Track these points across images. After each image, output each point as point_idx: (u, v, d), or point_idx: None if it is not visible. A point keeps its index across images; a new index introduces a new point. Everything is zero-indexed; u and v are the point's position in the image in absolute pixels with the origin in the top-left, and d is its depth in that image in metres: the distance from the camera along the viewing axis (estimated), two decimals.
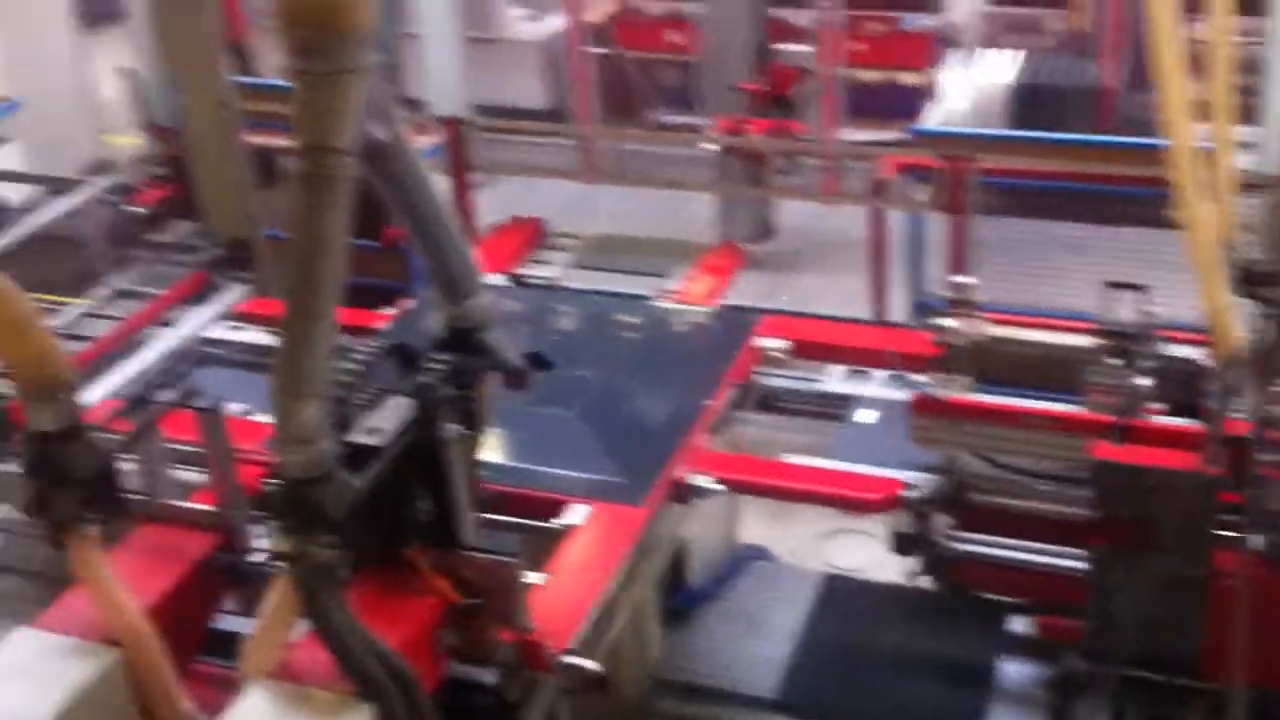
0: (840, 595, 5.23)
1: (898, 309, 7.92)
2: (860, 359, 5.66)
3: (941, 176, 7.43)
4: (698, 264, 6.49)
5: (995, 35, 11.42)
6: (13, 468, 3.77)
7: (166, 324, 6.94)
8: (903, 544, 4.91)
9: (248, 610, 3.91)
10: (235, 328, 6.66)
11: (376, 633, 3.44)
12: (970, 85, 10.16)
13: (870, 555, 6.12)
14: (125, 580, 3.66)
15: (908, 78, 11.52)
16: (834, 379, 5.76)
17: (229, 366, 6.43)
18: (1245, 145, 4.54)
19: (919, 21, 11.62)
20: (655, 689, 4.86)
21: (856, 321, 7.03)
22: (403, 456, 3.68)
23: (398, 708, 3.41)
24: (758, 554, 5.62)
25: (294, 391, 3.28)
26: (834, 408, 5.87)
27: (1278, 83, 6.66)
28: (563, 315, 5.95)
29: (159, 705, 3.63)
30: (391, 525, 3.72)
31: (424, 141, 7.83)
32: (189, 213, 7.58)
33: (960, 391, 4.92)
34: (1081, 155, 7.66)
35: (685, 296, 6.01)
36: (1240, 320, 4.22)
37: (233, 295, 7.03)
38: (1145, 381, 4.66)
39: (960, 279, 5.10)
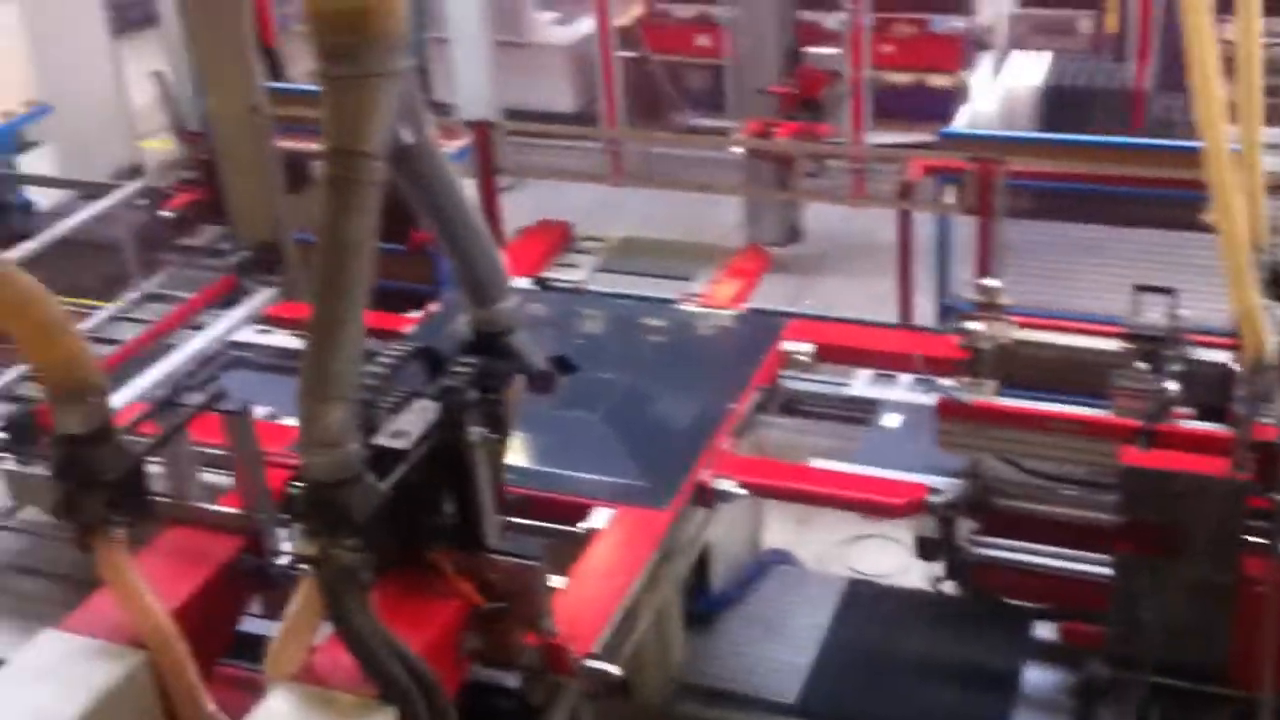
0: (864, 600, 5.21)
1: (925, 312, 7.89)
2: (886, 363, 5.64)
3: (969, 179, 7.39)
4: (724, 267, 6.49)
5: (1024, 37, 11.38)
6: (41, 470, 3.79)
7: (195, 327, 6.99)
8: (927, 549, 4.90)
9: (273, 613, 3.93)
10: (263, 331, 6.70)
11: (400, 635, 3.44)
12: (999, 87, 10.13)
13: (894, 560, 6.10)
14: (151, 583, 3.67)
15: (936, 80, 11.49)
16: (859, 383, 5.73)
17: (257, 370, 6.45)
18: (1273, 147, 4.50)
19: (948, 23, 11.58)
20: (678, 693, 4.86)
21: (882, 325, 6.99)
22: (428, 459, 3.69)
23: (421, 711, 3.42)
24: (781, 558, 5.61)
25: (321, 394, 3.30)
26: (859, 412, 5.84)
27: None
28: (589, 319, 5.97)
29: (184, 707, 3.64)
30: (416, 528, 3.73)
31: (451, 145, 7.85)
32: (218, 217, 7.63)
33: (986, 395, 4.90)
34: (1111, 157, 7.61)
35: (711, 300, 6.01)
36: (1270, 324, 4.19)
37: (261, 299, 7.07)
38: (1173, 386, 4.64)
39: (987, 282, 5.08)
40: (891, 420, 5.39)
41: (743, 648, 4.99)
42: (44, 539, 6.84)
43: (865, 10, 10.21)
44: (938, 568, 5.06)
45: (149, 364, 6.57)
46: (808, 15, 10.76)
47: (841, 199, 8.84)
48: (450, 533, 3.80)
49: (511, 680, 3.86)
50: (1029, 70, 10.22)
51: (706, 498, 4.74)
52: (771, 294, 7.94)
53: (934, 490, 4.77)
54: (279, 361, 6.33)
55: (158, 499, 3.98)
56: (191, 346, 6.69)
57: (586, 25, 11.83)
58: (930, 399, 5.07)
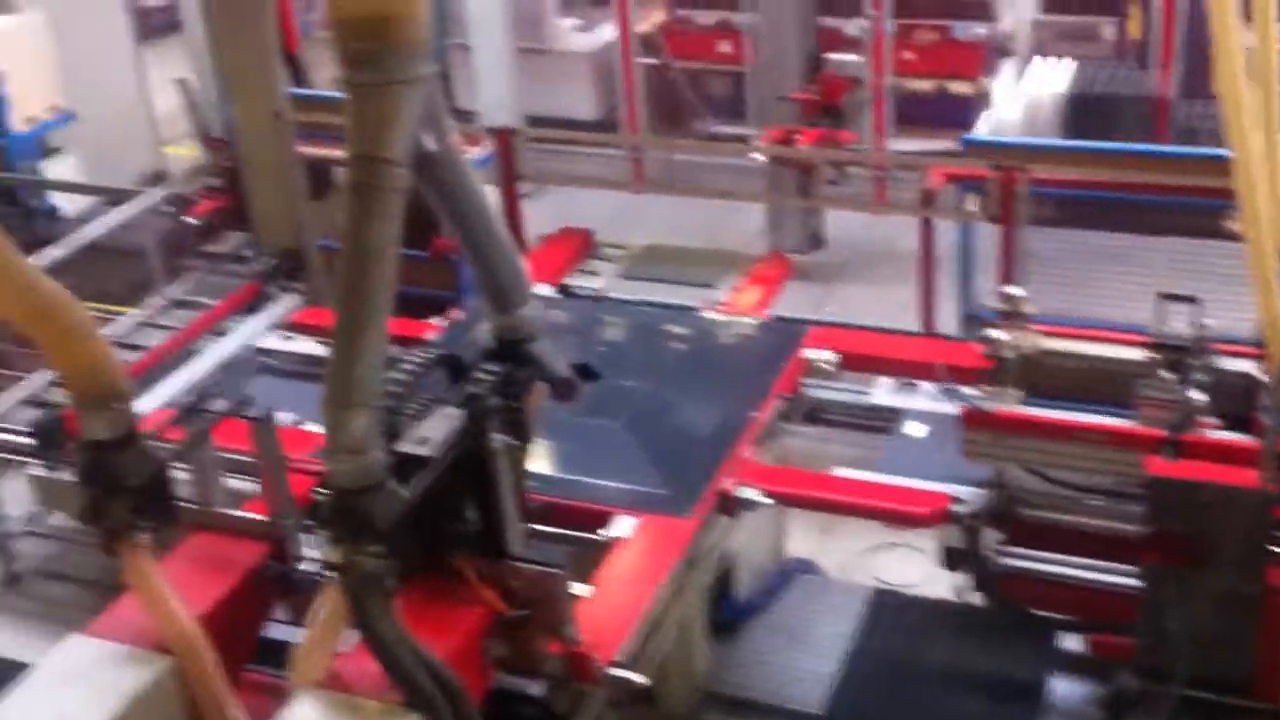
0: (888, 610, 5.19)
1: (947, 321, 7.87)
2: (909, 371, 5.63)
3: (992, 186, 7.37)
4: (746, 275, 6.49)
5: (1047, 43, 11.34)
6: (68, 475, 3.81)
7: (219, 333, 7.02)
8: (952, 559, 4.88)
9: (298, 619, 3.94)
10: (287, 337, 6.72)
11: (424, 642, 3.45)
12: (1022, 94, 10.10)
13: (919, 570, 6.08)
14: (177, 588, 3.69)
15: (959, 86, 11.46)
16: (882, 391, 5.72)
17: (281, 376, 6.47)
18: None
19: (970, 30, 11.55)
20: (702, 702, 4.85)
21: (905, 333, 6.98)
22: (451, 466, 3.70)
23: (445, 717, 3.42)
24: (805, 567, 5.60)
25: (344, 401, 3.31)
26: (882, 420, 5.83)
27: None
28: (611, 326, 5.96)
29: (210, 713, 3.65)
30: (440, 535, 3.73)
31: (473, 151, 7.87)
32: (242, 223, 7.67)
33: (1010, 405, 4.88)
34: (1135, 165, 7.57)
35: (733, 307, 6.01)
36: None
37: (285, 305, 7.09)
38: (1198, 395, 4.61)
39: (1011, 290, 5.06)
40: (915, 429, 5.37)
41: (766, 657, 4.98)
42: (70, 544, 6.87)
43: (887, 16, 10.21)
44: (963, 578, 5.04)
45: (174, 370, 6.62)
46: (829, 21, 10.75)
47: (863, 206, 8.84)
48: (473, 540, 3.80)
49: (536, 688, 3.85)
50: (1052, 77, 10.18)
51: (730, 506, 4.73)
52: (793, 302, 7.94)
53: (958, 500, 4.76)
54: (303, 368, 6.35)
55: (183, 504, 3.99)
56: (216, 352, 6.73)
57: (608, 32, 11.85)
58: (953, 408, 5.05)
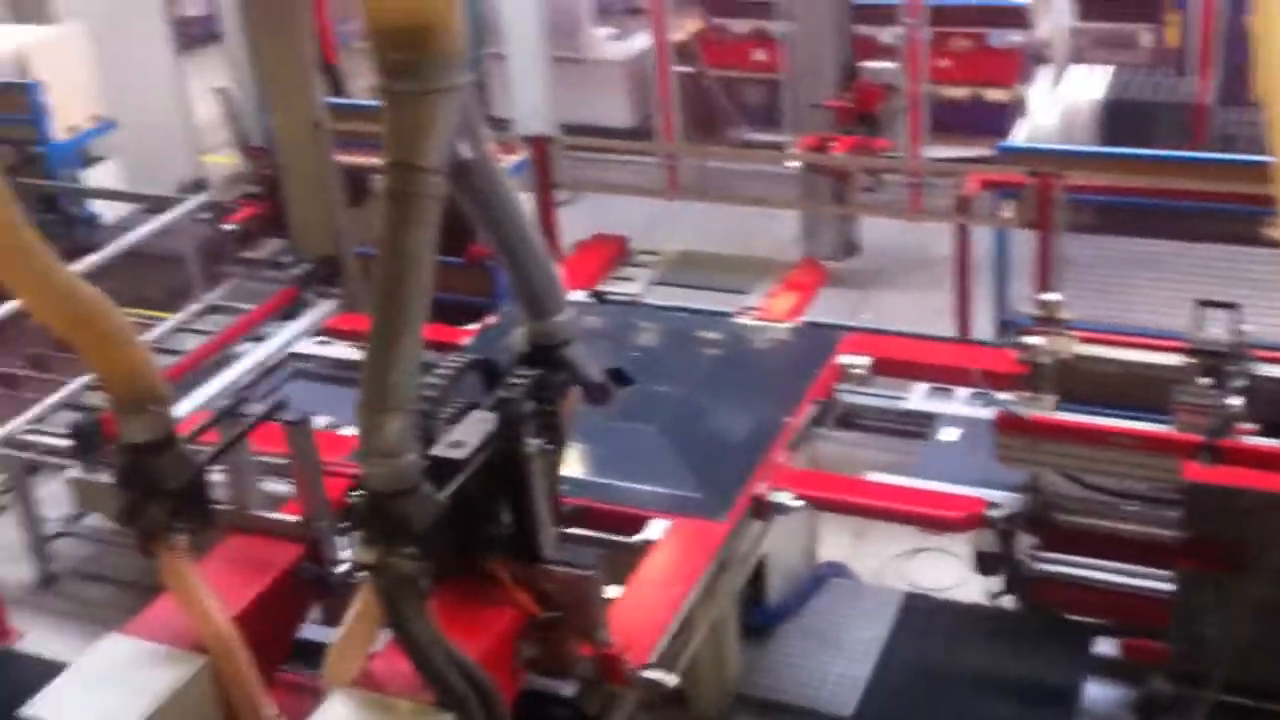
0: (921, 614, 5.18)
1: (982, 327, 7.84)
2: (944, 376, 5.61)
3: (1028, 193, 7.34)
4: (780, 281, 6.48)
5: (1084, 50, 11.29)
6: (106, 478, 3.84)
7: (256, 339, 7.08)
8: (986, 563, 4.87)
9: (332, 620, 3.96)
10: (323, 343, 6.77)
11: (457, 643, 3.47)
12: (1058, 101, 10.06)
13: (952, 574, 6.06)
14: (213, 589, 3.72)
15: (994, 94, 11.41)
16: (917, 396, 5.71)
17: (317, 380, 6.52)
18: None
19: (1006, 37, 11.50)
20: (733, 704, 4.85)
21: (939, 339, 6.96)
22: (485, 470, 3.72)
23: (478, 718, 3.44)
24: (837, 571, 5.59)
25: (380, 405, 3.34)
26: (917, 425, 5.82)
27: None
28: (645, 331, 5.98)
29: (244, 712, 3.68)
30: (473, 538, 3.76)
31: (509, 159, 7.90)
32: (280, 230, 7.73)
33: (1045, 410, 4.87)
34: (1173, 171, 7.53)
35: (767, 313, 6.00)
36: None
37: (321, 311, 7.15)
38: (1236, 401, 4.59)
39: (1047, 296, 5.05)
40: (949, 434, 5.36)
41: (799, 660, 4.97)
42: (108, 545, 6.93)
43: (922, 24, 10.17)
44: (996, 582, 5.03)
45: (211, 374, 6.68)
46: (864, 29, 10.71)
47: (899, 213, 8.81)
48: (507, 542, 3.82)
49: (568, 689, 3.87)
50: (1088, 84, 10.13)
51: (763, 510, 4.73)
52: (828, 308, 7.91)
53: (993, 504, 4.74)
54: (339, 373, 6.39)
55: (219, 507, 4.03)
56: (253, 357, 6.79)
57: (643, 41, 11.87)
58: (988, 413, 5.04)
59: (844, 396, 5.54)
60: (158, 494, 3.70)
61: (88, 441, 5.44)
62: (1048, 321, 4.98)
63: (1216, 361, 4.66)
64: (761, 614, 5.19)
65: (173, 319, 7.42)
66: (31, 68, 9.75)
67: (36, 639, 6.43)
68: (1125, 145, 8.87)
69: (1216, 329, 4.71)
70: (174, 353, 6.98)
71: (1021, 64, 11.44)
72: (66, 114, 9.85)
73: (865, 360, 5.45)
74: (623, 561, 4.32)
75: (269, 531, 4.21)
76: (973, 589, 5.37)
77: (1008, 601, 5.12)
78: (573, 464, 4.67)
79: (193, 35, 13.59)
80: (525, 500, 3.80)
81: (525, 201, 4.47)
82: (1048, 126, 9.90)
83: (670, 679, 3.93)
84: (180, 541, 3.73)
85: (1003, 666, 4.85)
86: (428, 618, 3.43)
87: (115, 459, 3.78)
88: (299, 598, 4.16)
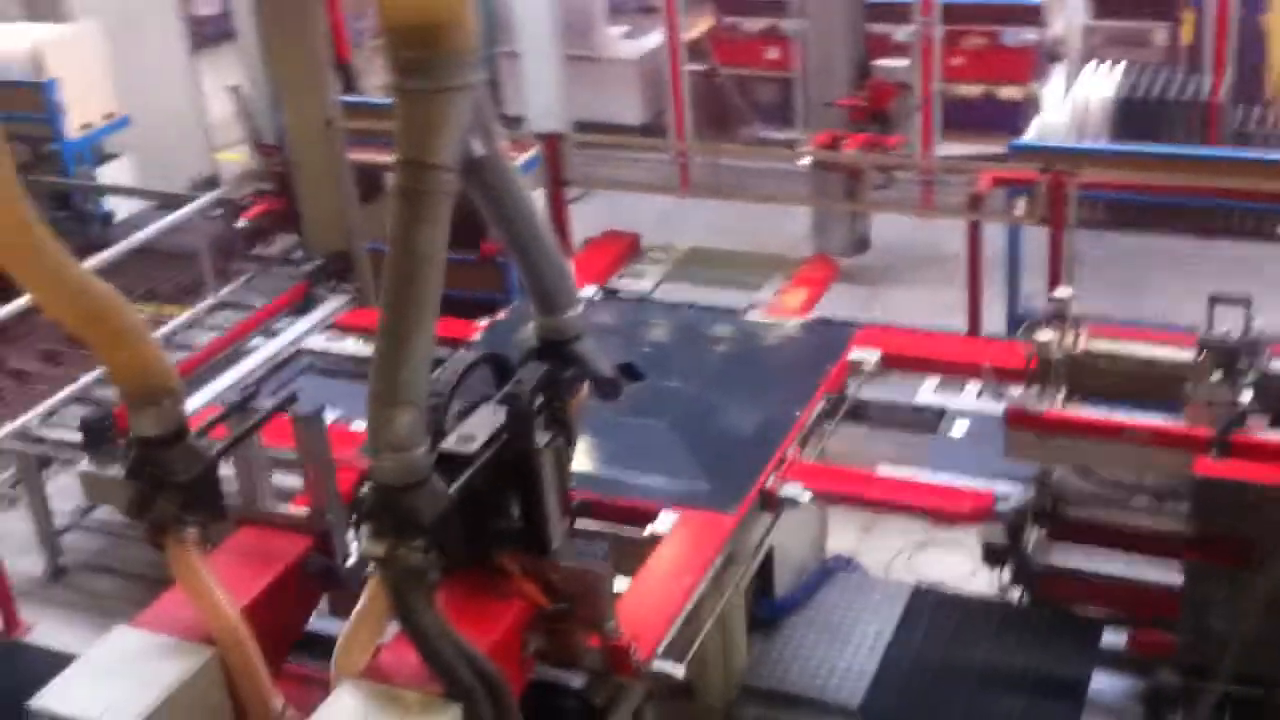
0: (929, 607, 5.17)
1: (993, 323, 7.83)
2: (954, 371, 5.61)
3: (1040, 190, 7.34)
4: (791, 277, 6.49)
5: (1098, 48, 11.26)
6: (116, 471, 3.86)
7: (268, 334, 7.10)
8: (994, 556, 4.87)
9: (341, 612, 3.97)
10: (334, 338, 6.79)
11: (465, 635, 3.48)
12: (1071, 99, 10.04)
13: (960, 567, 6.06)
14: (223, 581, 3.73)
15: (1008, 91, 11.40)
16: (927, 391, 5.71)
17: (327, 375, 6.54)
18: None
19: (1020, 35, 11.48)
20: (741, 696, 4.85)
21: (951, 334, 6.96)
22: (494, 464, 3.73)
23: (485, 709, 3.45)
24: (846, 564, 5.59)
25: (390, 399, 3.35)
26: (928, 420, 5.81)
27: None
28: (656, 327, 5.98)
29: (253, 704, 3.70)
30: (482, 531, 3.77)
31: (521, 157, 7.92)
32: (292, 227, 7.76)
33: (1055, 405, 4.86)
34: (1185, 169, 7.53)
35: (778, 309, 6.01)
36: None
37: (332, 306, 7.18)
38: (1247, 396, 4.57)
39: (1058, 292, 5.04)
40: (959, 428, 5.36)
41: (806, 653, 4.97)
42: (118, 538, 6.97)
43: (936, 22, 10.17)
44: (1004, 575, 5.03)
45: (223, 369, 6.70)
46: (877, 27, 10.71)
47: (911, 209, 8.80)
48: (516, 535, 3.83)
49: (575, 680, 3.88)
50: (1102, 82, 10.12)
51: (772, 503, 4.73)
52: (839, 304, 7.92)
53: (1001, 498, 4.74)
54: (349, 367, 6.42)
55: (229, 500, 4.04)
56: (264, 352, 6.81)
57: (656, 38, 11.88)
58: (998, 408, 5.03)
59: (855, 391, 5.53)
60: (168, 487, 3.71)
61: (99, 435, 5.45)
62: (1059, 317, 4.97)
63: (1228, 356, 4.64)
64: (769, 606, 5.19)
65: (185, 314, 7.45)
66: (46, 65, 9.80)
67: (46, 631, 6.48)
68: (1138, 142, 8.86)
69: (1228, 324, 4.70)
70: (186, 348, 7.01)
71: (1035, 61, 11.43)
72: (81, 111, 9.90)
73: (876, 355, 5.44)
74: (631, 554, 4.32)
75: (279, 524, 4.22)
76: (981, 582, 5.37)
77: (1016, 594, 5.11)
78: (585, 458, 4.68)
79: (206, 33, 13.64)
80: (534, 494, 3.81)
81: (537, 198, 4.49)
82: (1061, 124, 9.89)
83: (678, 670, 3.94)
84: (190, 534, 3.74)
85: (1010, 659, 4.84)
86: (436, 610, 3.44)
87: (126, 452, 3.80)
88: (308, 590, 4.16)
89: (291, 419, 4.09)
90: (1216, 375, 4.62)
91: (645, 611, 4.03)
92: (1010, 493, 4.77)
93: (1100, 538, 4.77)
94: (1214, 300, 4.70)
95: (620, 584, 4.00)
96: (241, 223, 7.96)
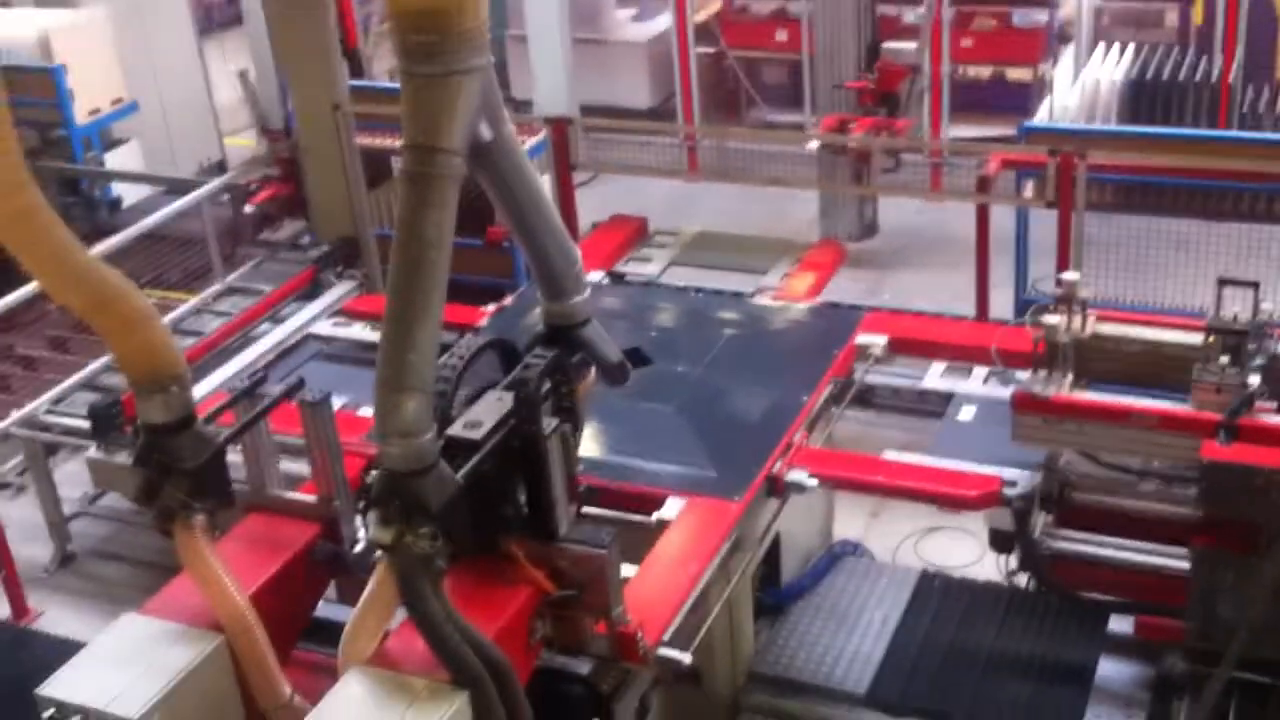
0: (936, 592, 5.17)
1: (1001, 307, 7.82)
2: (962, 355, 5.61)
3: (1050, 172, 7.31)
4: (798, 261, 6.48)
5: (1108, 29, 11.21)
6: (124, 457, 3.87)
7: (276, 320, 7.11)
8: (1001, 542, 4.86)
9: (349, 598, 3.98)
10: (341, 324, 6.80)
11: (472, 621, 3.48)
12: (1081, 80, 10.00)
13: (967, 553, 6.07)
14: (230, 568, 3.74)
15: (1017, 73, 11.35)
16: (934, 376, 5.70)
17: (336, 361, 6.55)
18: None
19: (1030, 17, 11.43)
20: (748, 682, 4.86)
21: (958, 318, 6.95)
22: (502, 450, 3.73)
23: (492, 695, 3.45)
24: (853, 550, 5.59)
25: (397, 385, 3.35)
26: (935, 404, 5.81)
27: None
28: (663, 312, 5.98)
29: (260, 690, 3.71)
30: (489, 516, 3.77)
31: (529, 141, 7.91)
32: (300, 212, 7.77)
33: (1062, 389, 4.85)
34: (1195, 151, 7.49)
35: (786, 293, 6.01)
36: None
37: (340, 292, 7.19)
38: (1255, 380, 4.56)
39: (1067, 276, 5.02)
40: (966, 413, 5.35)
41: (813, 639, 4.97)
42: (126, 525, 6.99)
43: (945, 4, 10.13)
44: (1012, 561, 5.02)
45: (231, 355, 6.72)
46: (886, 9, 10.68)
47: (919, 192, 8.78)
48: (523, 521, 3.83)
49: (582, 666, 3.88)
50: (1112, 63, 10.07)
51: (779, 489, 4.73)
52: (848, 288, 7.91)
53: (1009, 483, 4.74)
54: (357, 353, 6.43)
55: (237, 486, 4.04)
56: (272, 338, 6.83)
57: (664, 22, 11.85)
58: (1006, 392, 5.03)
59: (863, 375, 5.53)
60: (175, 473, 3.72)
61: (106, 421, 5.46)
62: (1067, 301, 4.96)
63: (1236, 340, 4.63)
64: (776, 592, 5.19)
65: (193, 300, 7.46)
66: (55, 51, 9.79)
67: (54, 618, 6.50)
68: (1148, 124, 8.82)
69: (1236, 307, 4.68)
70: (194, 334, 7.03)
71: (1045, 43, 11.38)
72: (89, 97, 9.89)
73: (883, 340, 5.44)
74: (638, 540, 4.32)
75: (286, 511, 4.23)
76: (988, 567, 5.37)
77: (1023, 580, 5.11)
78: (592, 444, 4.68)
79: (214, 19, 13.64)
80: (541, 480, 3.80)
81: (544, 182, 4.47)
82: (1070, 106, 9.85)
83: (685, 657, 3.95)
84: (198, 521, 3.75)
85: (1018, 645, 4.84)
86: (443, 596, 3.45)
87: (134, 439, 3.80)
88: (315, 577, 4.17)
89: (299, 405, 4.09)
90: (1224, 359, 4.61)
91: (652, 598, 4.03)
92: (1018, 478, 4.76)
93: (1108, 523, 4.77)
94: (1222, 283, 4.68)
95: (627, 570, 4.00)
96: (249, 208, 7.97)
